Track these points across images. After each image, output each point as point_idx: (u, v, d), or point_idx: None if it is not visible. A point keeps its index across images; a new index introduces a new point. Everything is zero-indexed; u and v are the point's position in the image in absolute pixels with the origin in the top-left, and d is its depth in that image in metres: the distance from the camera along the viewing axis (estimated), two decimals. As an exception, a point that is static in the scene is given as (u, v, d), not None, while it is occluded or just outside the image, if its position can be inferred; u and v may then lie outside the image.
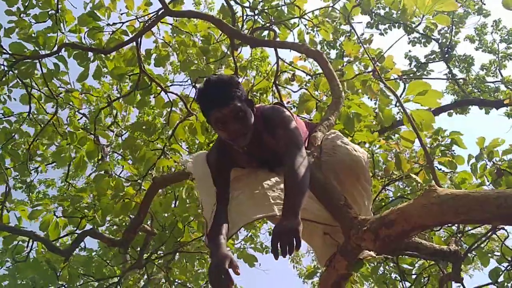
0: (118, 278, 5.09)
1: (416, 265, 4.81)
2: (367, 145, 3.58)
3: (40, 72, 4.30)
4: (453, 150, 3.77)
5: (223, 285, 1.52)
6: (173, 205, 4.73)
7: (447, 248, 2.10)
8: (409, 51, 10.50)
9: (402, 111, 2.71)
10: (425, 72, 9.56)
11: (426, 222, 1.38)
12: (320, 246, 2.01)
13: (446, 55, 9.50)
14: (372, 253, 2.00)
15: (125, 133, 7.34)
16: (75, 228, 4.30)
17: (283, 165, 1.76)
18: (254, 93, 4.89)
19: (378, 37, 9.59)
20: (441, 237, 4.10)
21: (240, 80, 1.97)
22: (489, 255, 3.65)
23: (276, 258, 1.48)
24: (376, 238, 1.51)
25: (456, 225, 3.64)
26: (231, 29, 3.85)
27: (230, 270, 1.54)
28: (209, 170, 2.00)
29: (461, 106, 8.78)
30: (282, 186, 1.88)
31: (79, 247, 4.82)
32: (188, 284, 5.85)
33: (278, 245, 1.47)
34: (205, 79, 1.86)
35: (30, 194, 7.96)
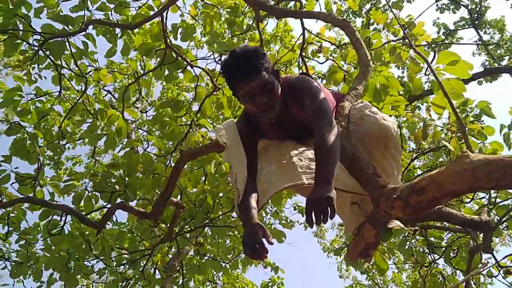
0: (150, 251, 5.23)
1: (445, 238, 4.78)
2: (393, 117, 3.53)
3: (69, 51, 4.37)
4: (483, 121, 3.68)
5: (258, 254, 1.53)
6: (202, 181, 4.80)
7: (478, 218, 2.07)
8: (438, 18, 10.21)
9: (432, 79, 2.65)
10: (454, 40, 9.26)
11: (458, 188, 1.37)
12: (348, 215, 2.01)
13: (476, 22, 9.17)
14: (400, 223, 2.00)
15: (150, 108, 7.44)
16: (106, 203, 4.43)
17: (312, 135, 1.76)
18: (280, 65, 4.85)
19: (406, 4, 9.31)
20: (470, 210, 4.05)
21: (265, 51, 1.94)
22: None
23: (311, 226, 1.49)
24: (406, 205, 1.50)
25: (487, 196, 3.59)
26: (256, 0, 3.80)
27: (264, 240, 1.56)
28: (239, 138, 1.99)
29: (491, 74, 8.49)
30: (310, 155, 1.87)
31: (111, 221, 4.97)
32: (218, 258, 5.96)
33: (313, 214, 1.48)
34: (230, 51, 1.84)
35: (58, 170, 8.18)
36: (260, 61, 1.78)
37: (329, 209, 1.46)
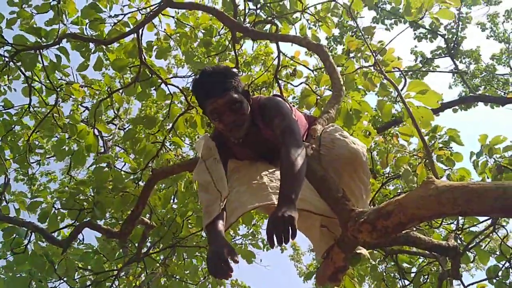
0: (117, 271, 5.08)
1: (416, 264, 4.81)
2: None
3: (42, 64, 4.30)
4: (451, 147, 3.76)
5: (223, 273, 1.50)
6: (171, 201, 4.72)
7: (446, 243, 2.09)
8: (415, 46, 10.51)
9: (402, 106, 2.70)
10: (431, 68, 9.55)
11: (424, 213, 1.37)
12: (317, 238, 1.99)
13: (452, 51, 9.48)
14: (365, 252, 2.00)
15: (128, 126, 7.36)
16: (73, 221, 4.30)
17: (279, 154, 1.75)
18: (257, 88, 4.88)
19: (384, 32, 9.57)
20: (440, 235, 4.10)
21: (236, 71, 1.94)
22: (489, 253, 3.64)
23: (272, 246, 1.47)
24: (373, 229, 1.50)
25: (455, 222, 3.64)
26: (232, 21, 3.84)
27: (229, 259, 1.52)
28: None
29: (466, 102, 8.74)
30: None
31: (77, 241, 4.82)
32: (186, 280, 5.83)
33: (274, 234, 1.46)
34: (201, 70, 1.84)
35: (31, 186, 7.96)
36: (229, 79, 1.78)
37: (290, 228, 1.43)
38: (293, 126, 1.81)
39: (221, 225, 1.74)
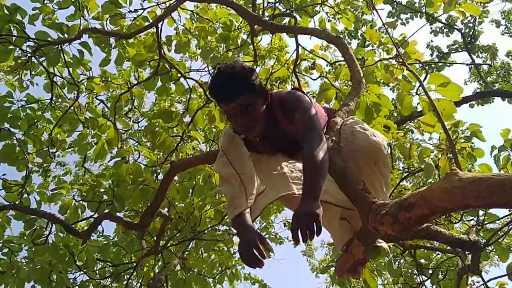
0: (135, 264, 5.15)
1: (434, 260, 4.77)
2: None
3: (63, 59, 4.36)
4: (473, 143, 3.71)
5: (256, 261, 1.52)
6: (190, 194, 4.75)
7: (466, 237, 2.07)
8: (431, 41, 10.34)
9: (422, 99, 2.67)
10: (447, 63, 9.41)
11: (447, 205, 1.35)
12: (337, 231, 1.99)
13: (469, 45, 9.32)
14: (385, 245, 1.99)
15: (142, 119, 7.43)
16: (93, 213, 4.37)
17: (302, 149, 1.75)
18: (273, 82, 4.88)
19: (400, 26, 9.45)
20: (459, 231, 4.05)
21: (253, 67, 1.93)
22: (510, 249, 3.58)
23: (297, 243, 1.46)
24: (394, 222, 1.48)
25: (475, 218, 3.59)
26: (251, 15, 3.84)
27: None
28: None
29: (484, 97, 8.59)
30: (301, 167, 1.86)
31: (97, 233, 4.90)
32: (203, 272, 5.88)
33: (299, 230, 1.45)
34: (216, 69, 1.82)
35: (46, 178, 8.09)
36: (243, 81, 1.76)
37: (315, 225, 1.44)
38: (315, 120, 1.82)
39: (248, 217, 1.76)
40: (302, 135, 1.78)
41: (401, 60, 2.68)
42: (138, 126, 7.44)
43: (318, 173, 1.60)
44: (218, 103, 1.84)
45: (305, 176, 1.62)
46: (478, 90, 10.03)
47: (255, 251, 1.52)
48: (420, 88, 2.75)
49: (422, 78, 3.28)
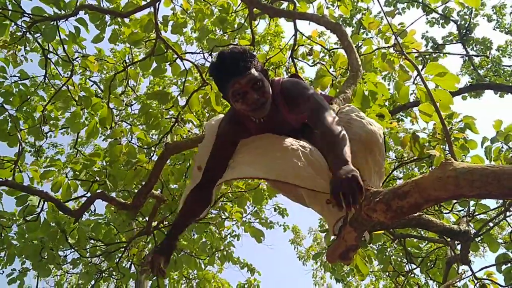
0: (126, 243, 5.17)
1: (423, 250, 4.83)
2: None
3: (59, 36, 4.30)
4: (466, 135, 3.74)
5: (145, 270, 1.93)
6: (184, 176, 4.75)
7: (457, 227, 2.09)
8: (426, 31, 10.36)
9: (419, 88, 2.67)
10: (441, 54, 9.43)
11: (441, 194, 1.37)
12: (328, 214, 2.00)
13: (464, 37, 9.34)
14: (367, 235, 2.01)
15: (135, 103, 7.39)
16: (86, 192, 4.36)
17: (316, 130, 1.78)
18: (268, 66, 4.85)
19: (396, 16, 9.45)
20: (449, 221, 4.10)
21: (253, 52, 1.95)
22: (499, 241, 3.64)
23: (341, 208, 1.43)
24: (388, 209, 1.50)
25: (466, 208, 3.63)
26: (250, -2, 3.79)
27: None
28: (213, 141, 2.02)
29: (476, 90, 8.65)
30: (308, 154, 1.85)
31: (89, 211, 4.90)
32: (193, 254, 5.91)
33: (341, 196, 1.41)
34: (217, 53, 1.84)
35: (39, 158, 8.05)
36: (248, 59, 1.78)
37: (357, 187, 1.42)
38: (322, 101, 1.84)
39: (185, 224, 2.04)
40: (314, 117, 1.77)
41: (399, 49, 2.67)
42: (131, 109, 7.40)
43: (341, 141, 1.61)
44: (224, 85, 1.81)
45: (330, 148, 1.62)
46: (469, 84, 10.10)
47: (152, 261, 1.88)
48: (418, 77, 2.75)
49: (419, 67, 3.27)
